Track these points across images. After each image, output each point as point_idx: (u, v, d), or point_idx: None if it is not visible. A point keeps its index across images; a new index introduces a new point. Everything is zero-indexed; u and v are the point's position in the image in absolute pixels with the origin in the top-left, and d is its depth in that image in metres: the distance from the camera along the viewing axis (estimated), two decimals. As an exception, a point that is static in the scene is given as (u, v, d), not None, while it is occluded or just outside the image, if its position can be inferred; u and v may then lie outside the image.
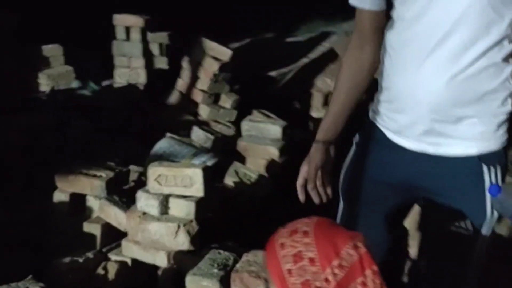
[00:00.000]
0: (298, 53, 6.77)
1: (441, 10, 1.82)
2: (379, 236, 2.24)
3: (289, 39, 7.59)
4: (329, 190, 2.14)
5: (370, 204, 2.21)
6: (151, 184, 2.93)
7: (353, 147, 2.25)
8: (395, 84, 2.00)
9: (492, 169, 1.97)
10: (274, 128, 3.88)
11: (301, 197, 2.13)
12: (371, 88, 2.19)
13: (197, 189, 2.88)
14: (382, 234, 2.26)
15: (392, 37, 1.99)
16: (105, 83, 5.29)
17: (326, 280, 1.57)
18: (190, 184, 2.89)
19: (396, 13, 1.96)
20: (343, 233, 1.64)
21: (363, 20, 2.04)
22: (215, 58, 4.62)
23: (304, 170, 2.12)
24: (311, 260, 1.58)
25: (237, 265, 2.57)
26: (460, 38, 1.82)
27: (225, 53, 4.62)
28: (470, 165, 1.97)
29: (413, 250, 3.18)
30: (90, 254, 2.99)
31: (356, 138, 2.25)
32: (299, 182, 2.12)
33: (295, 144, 3.97)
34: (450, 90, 1.88)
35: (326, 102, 4.89)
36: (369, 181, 2.18)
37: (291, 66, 6.40)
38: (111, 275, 2.95)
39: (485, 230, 2.05)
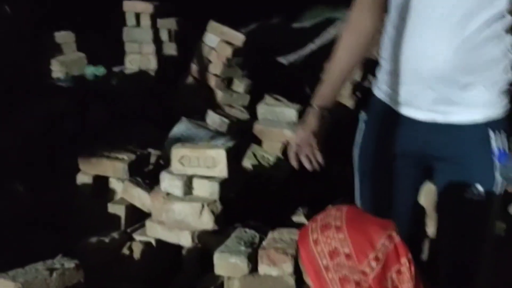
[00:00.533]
0: (304, 39, 6.79)
1: None
2: (400, 210, 2.28)
3: (295, 26, 7.61)
4: (319, 157, 2.17)
5: (387, 178, 2.25)
6: (175, 165, 2.98)
7: (362, 126, 2.28)
8: (401, 55, 2.04)
9: (498, 135, 2.04)
10: (289, 112, 3.93)
11: (294, 163, 2.19)
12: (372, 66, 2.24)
13: (221, 170, 2.93)
14: (402, 208, 2.30)
15: (398, 8, 2.03)
16: (116, 69, 5.31)
17: (364, 273, 1.60)
18: (213, 165, 2.94)
19: None
20: (375, 224, 1.67)
21: None
22: (228, 43, 4.66)
23: (298, 135, 2.16)
24: (348, 256, 1.61)
25: (264, 243, 2.63)
26: (465, 7, 1.89)
27: (238, 38, 4.66)
28: (477, 132, 2.04)
29: (430, 230, 3.23)
30: (115, 235, 3.04)
31: (363, 116, 2.29)
32: (293, 148, 2.17)
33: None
34: (456, 58, 1.94)
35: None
36: (383, 155, 2.22)
37: (298, 52, 6.43)
38: (137, 255, 2.99)
39: (495, 195, 2.10)
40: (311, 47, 6.58)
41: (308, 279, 1.70)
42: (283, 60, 6.16)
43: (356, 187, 2.36)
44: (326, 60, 5.67)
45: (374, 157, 2.26)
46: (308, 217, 3.25)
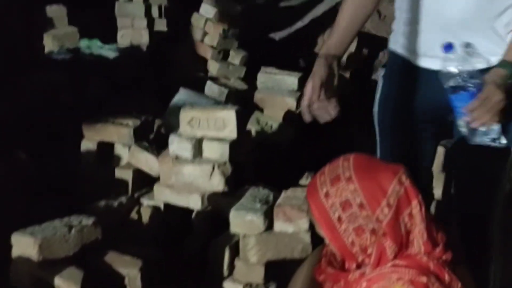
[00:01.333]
0: (293, 17, 6.78)
1: None
2: (418, 164, 2.29)
3: (282, 5, 7.59)
4: (332, 106, 2.08)
5: (407, 132, 2.26)
6: (184, 127, 2.96)
7: (381, 81, 2.29)
8: (418, 3, 2.04)
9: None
10: (290, 79, 3.91)
11: (307, 117, 2.10)
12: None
13: (231, 131, 2.92)
14: (420, 163, 2.31)
15: None
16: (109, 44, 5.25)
17: (378, 220, 1.60)
18: (223, 127, 2.92)
19: None
20: (385, 169, 1.67)
21: None
22: (224, 14, 4.63)
23: (309, 88, 2.07)
24: (361, 206, 1.61)
25: (279, 200, 2.63)
26: None
27: (234, 9, 4.65)
28: None
29: (437, 192, 3.24)
30: (123, 199, 3.02)
31: (382, 71, 2.29)
32: (305, 103, 2.07)
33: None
34: (474, 4, 1.94)
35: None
36: (402, 109, 2.22)
37: (287, 30, 6.42)
38: (145, 219, 2.99)
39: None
40: (300, 24, 6.57)
41: (321, 231, 1.70)
42: (274, 36, 6.15)
43: (377, 143, 2.36)
44: (316, 36, 5.67)
45: (394, 111, 2.27)
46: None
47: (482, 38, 2.02)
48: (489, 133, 1.98)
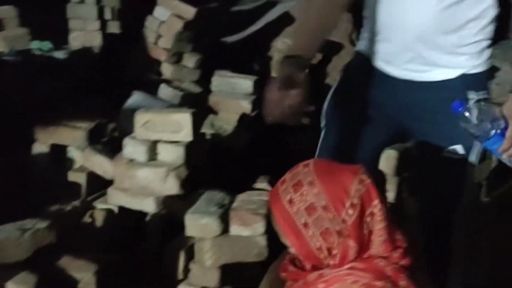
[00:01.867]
0: (246, 21, 6.79)
1: None
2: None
3: (234, 9, 7.59)
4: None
5: (354, 129, 2.25)
6: (138, 130, 2.93)
7: (340, 76, 2.29)
8: (382, 14, 2.07)
9: (475, 94, 2.07)
10: (245, 83, 3.92)
11: (270, 119, 2.05)
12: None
13: (186, 134, 2.91)
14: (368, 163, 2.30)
15: None
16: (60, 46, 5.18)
17: (343, 221, 1.61)
18: (179, 129, 2.91)
19: None
20: (346, 170, 1.69)
21: None
22: (179, 16, 4.61)
23: (272, 88, 2.03)
24: (325, 208, 1.62)
25: (234, 204, 2.63)
26: None
27: (188, 11, 4.61)
28: (456, 89, 2.07)
29: (390, 194, 3.28)
30: (76, 203, 2.98)
31: (344, 66, 2.31)
32: (269, 104, 2.03)
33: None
34: (436, 17, 1.99)
35: (286, 62, 4.93)
36: (355, 106, 2.22)
37: (241, 33, 6.43)
38: (99, 222, 2.95)
39: (473, 155, 2.15)
40: (253, 28, 6.58)
41: (287, 240, 1.69)
42: (227, 40, 6.14)
43: (320, 141, 2.34)
44: (270, 40, 5.68)
45: (345, 107, 2.25)
46: (272, 183, 3.26)
47: (440, 51, 2.05)
48: None
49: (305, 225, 1.63)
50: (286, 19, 5.60)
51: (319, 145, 2.36)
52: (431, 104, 2.12)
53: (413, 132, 2.28)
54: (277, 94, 2.01)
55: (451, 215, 2.25)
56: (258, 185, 3.25)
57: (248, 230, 2.54)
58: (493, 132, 1.89)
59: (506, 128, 1.89)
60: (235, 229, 2.55)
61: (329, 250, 1.63)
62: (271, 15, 6.69)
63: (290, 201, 1.65)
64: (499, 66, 5.86)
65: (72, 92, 4.13)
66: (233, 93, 3.90)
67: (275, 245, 2.09)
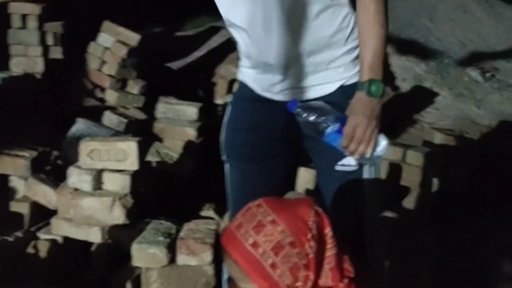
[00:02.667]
0: (190, 46, 6.82)
1: None
2: (274, 190, 2.25)
3: (178, 34, 7.61)
4: None
5: (256, 159, 2.21)
6: (83, 159, 2.90)
7: (229, 107, 2.29)
8: (253, 53, 2.10)
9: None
10: (190, 110, 3.93)
11: None
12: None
13: (132, 163, 2.89)
14: (273, 192, 2.27)
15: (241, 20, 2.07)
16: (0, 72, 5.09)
17: (307, 254, 1.62)
18: (124, 158, 2.89)
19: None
20: (301, 204, 1.68)
21: None
22: (123, 43, 4.60)
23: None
24: (291, 244, 1.60)
25: (181, 233, 2.63)
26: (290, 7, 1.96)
27: (133, 38, 4.61)
28: (338, 102, 2.04)
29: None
30: (19, 234, 2.93)
31: (230, 98, 2.31)
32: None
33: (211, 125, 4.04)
34: (297, 45, 2.01)
35: (230, 89, 4.97)
36: (249, 135, 2.19)
37: (185, 59, 6.45)
38: (43, 253, 2.90)
39: (366, 169, 2.14)
40: (198, 54, 6.61)
41: (253, 284, 1.66)
42: (172, 65, 6.15)
43: (226, 172, 2.29)
44: (214, 66, 5.70)
45: (241, 138, 2.21)
46: (217, 211, 3.26)
47: (313, 71, 2.07)
48: (379, 152, 1.96)
49: (273, 265, 1.60)
50: (229, 46, 5.65)
51: (229, 182, 2.30)
52: None
53: (308, 151, 2.27)
54: None
55: (360, 231, 2.23)
56: (205, 212, 3.25)
57: (195, 259, 2.54)
58: (330, 128, 1.91)
59: (343, 125, 1.91)
60: (182, 259, 2.55)
61: (294, 284, 1.62)
62: (214, 41, 6.75)
63: (254, 244, 1.60)
64: (438, 91, 6.04)
65: (14, 120, 4.07)
66: (178, 120, 3.90)
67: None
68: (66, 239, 2.95)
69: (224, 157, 2.25)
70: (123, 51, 4.59)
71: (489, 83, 6.14)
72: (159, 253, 2.50)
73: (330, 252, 1.66)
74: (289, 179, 2.38)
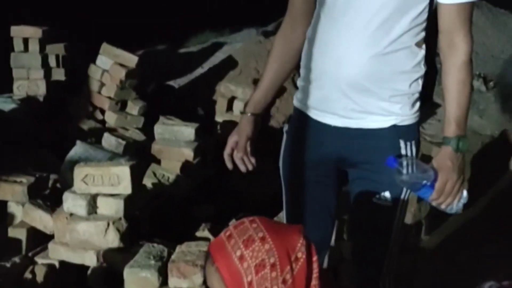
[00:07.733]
0: (193, 63, 6.86)
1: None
2: (324, 221, 2.37)
3: (182, 51, 7.67)
4: (253, 159, 2.30)
5: (305, 186, 2.32)
6: (78, 184, 2.95)
7: (284, 136, 2.36)
8: (319, 62, 2.14)
9: (408, 143, 2.15)
10: (187, 130, 3.96)
11: (229, 165, 2.28)
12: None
13: (125, 187, 2.93)
14: (326, 218, 2.38)
15: (319, 16, 2.13)
16: (3, 96, 5.16)
17: (284, 280, 1.62)
18: (118, 182, 2.93)
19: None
20: (291, 229, 1.69)
21: (295, 3, 2.21)
22: (122, 65, 4.65)
23: (233, 140, 2.27)
24: (273, 266, 1.60)
25: (173, 256, 2.66)
26: (380, 22, 2.01)
27: (131, 60, 4.66)
28: (388, 139, 2.14)
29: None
30: (16, 259, 2.98)
31: (286, 127, 2.37)
32: (227, 152, 2.27)
33: (208, 146, 4.09)
34: (369, 67, 2.05)
35: (230, 107, 5.00)
36: (301, 163, 2.28)
37: (188, 76, 6.49)
38: (40, 278, 2.95)
39: (401, 201, 2.21)
40: (200, 71, 6.65)
41: None
42: (173, 83, 6.20)
43: (283, 196, 2.41)
44: (215, 84, 5.74)
45: (293, 165, 2.33)
46: (212, 232, 3.28)
47: (373, 98, 2.11)
48: (461, 202, 2.08)
49: (250, 283, 1.60)
50: (229, 63, 5.69)
51: (284, 201, 2.42)
52: (364, 152, 2.18)
53: (350, 179, 2.33)
54: (233, 144, 2.28)
55: (381, 260, 2.31)
56: (200, 233, 3.28)
57: (186, 281, 2.56)
58: (423, 183, 2.02)
59: (435, 180, 2.01)
60: (174, 281, 2.58)
61: None
62: (216, 57, 6.79)
63: (241, 257, 1.60)
64: (440, 102, 6.05)
65: (13, 145, 4.12)
66: (175, 141, 3.93)
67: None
68: (63, 263, 2.99)
69: (282, 183, 2.39)
70: (121, 73, 4.63)
71: (492, 93, 6.14)
72: (150, 277, 2.54)
73: (315, 282, 1.67)
74: (333, 205, 2.42)
